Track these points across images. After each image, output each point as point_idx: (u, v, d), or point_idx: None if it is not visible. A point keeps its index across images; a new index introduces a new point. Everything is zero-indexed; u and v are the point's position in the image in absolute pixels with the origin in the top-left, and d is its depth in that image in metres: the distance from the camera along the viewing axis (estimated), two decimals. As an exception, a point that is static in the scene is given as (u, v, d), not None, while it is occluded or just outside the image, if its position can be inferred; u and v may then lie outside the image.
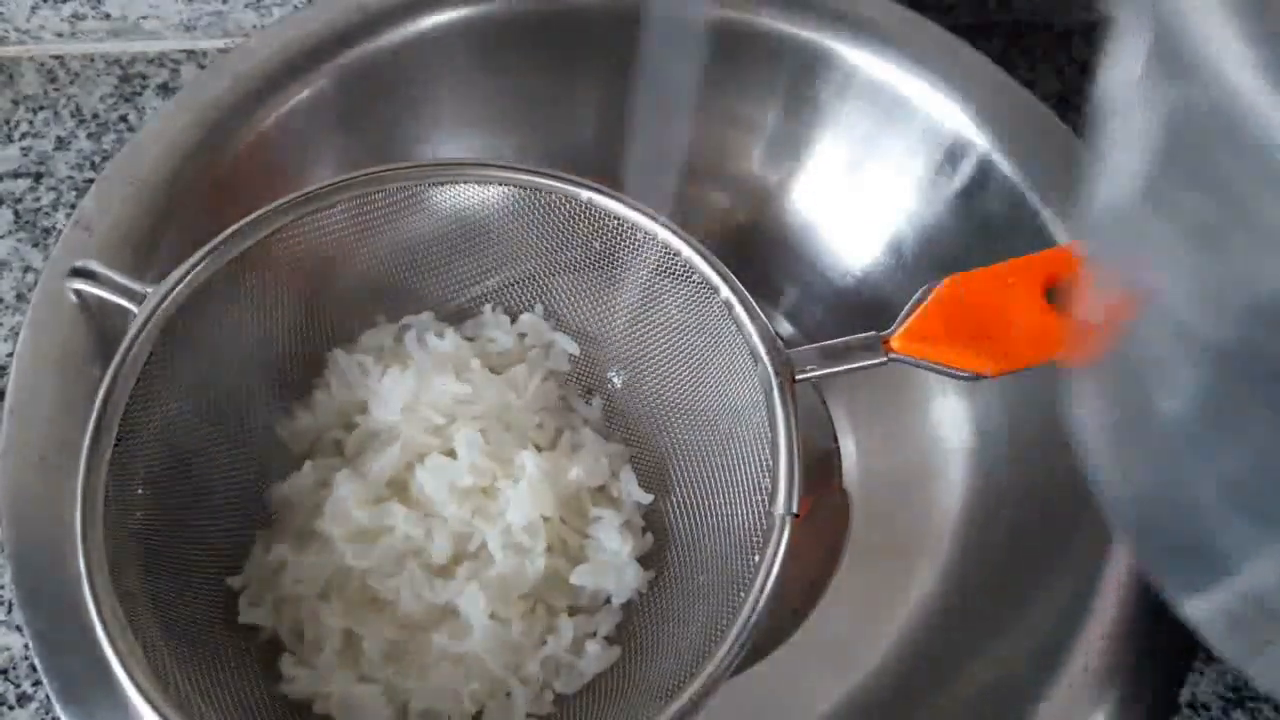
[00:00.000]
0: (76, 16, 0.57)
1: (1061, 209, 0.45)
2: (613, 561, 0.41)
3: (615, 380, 0.46)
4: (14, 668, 0.43)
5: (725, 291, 0.40)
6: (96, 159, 0.55)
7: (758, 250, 0.53)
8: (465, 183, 0.43)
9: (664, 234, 0.41)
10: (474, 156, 0.43)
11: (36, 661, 0.35)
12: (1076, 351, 0.30)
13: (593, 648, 0.40)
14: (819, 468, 0.49)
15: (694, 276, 0.41)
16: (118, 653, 0.33)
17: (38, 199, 0.53)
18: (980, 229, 0.48)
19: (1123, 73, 0.22)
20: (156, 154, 0.45)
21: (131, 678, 0.33)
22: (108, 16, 0.57)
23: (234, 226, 0.40)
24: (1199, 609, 0.27)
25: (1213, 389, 0.22)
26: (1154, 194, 0.22)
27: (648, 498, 0.43)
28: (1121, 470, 0.28)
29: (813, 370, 0.38)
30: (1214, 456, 0.23)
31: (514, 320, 0.46)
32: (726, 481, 0.41)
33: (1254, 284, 0.19)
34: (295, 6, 0.58)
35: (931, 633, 0.44)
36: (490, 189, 0.43)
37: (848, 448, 0.49)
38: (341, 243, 0.43)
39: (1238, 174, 0.18)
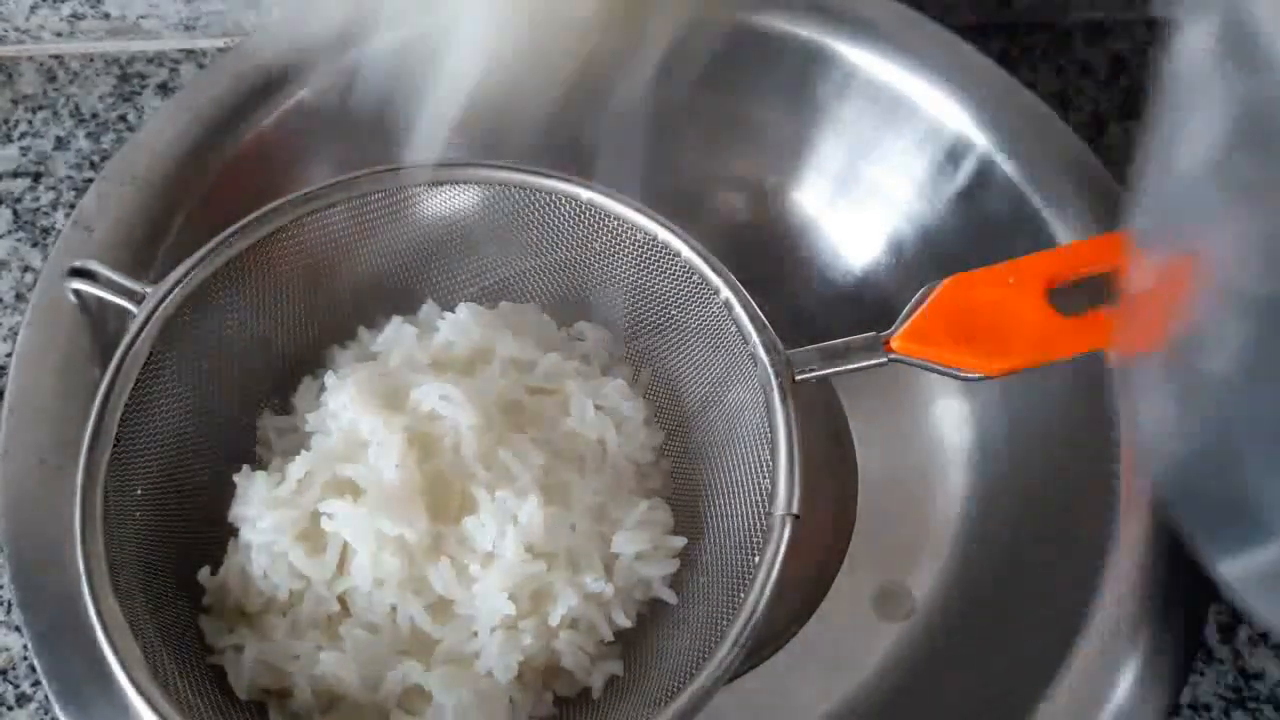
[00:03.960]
0: (75, 16, 0.57)
1: (1061, 209, 0.45)
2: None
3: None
4: (13, 668, 0.42)
5: (725, 292, 0.40)
6: (96, 159, 0.54)
7: (758, 250, 0.53)
8: (465, 182, 0.43)
9: (664, 234, 0.41)
10: (474, 157, 0.43)
11: (35, 662, 0.35)
12: (1123, 328, 0.32)
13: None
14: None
15: (694, 276, 0.41)
16: (117, 653, 0.33)
17: (37, 199, 0.53)
18: (980, 229, 0.48)
19: (1189, 58, 0.23)
20: (156, 154, 0.45)
21: (130, 678, 0.33)
22: (107, 16, 0.57)
23: (234, 226, 0.40)
24: (1236, 570, 0.28)
25: (1260, 341, 0.23)
26: (1220, 169, 0.23)
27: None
28: (1169, 433, 0.29)
29: (813, 371, 0.38)
30: (1260, 409, 0.24)
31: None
32: (726, 482, 0.41)
33: None
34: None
35: (932, 634, 0.44)
36: (490, 189, 0.43)
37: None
38: (341, 243, 0.43)
39: None
